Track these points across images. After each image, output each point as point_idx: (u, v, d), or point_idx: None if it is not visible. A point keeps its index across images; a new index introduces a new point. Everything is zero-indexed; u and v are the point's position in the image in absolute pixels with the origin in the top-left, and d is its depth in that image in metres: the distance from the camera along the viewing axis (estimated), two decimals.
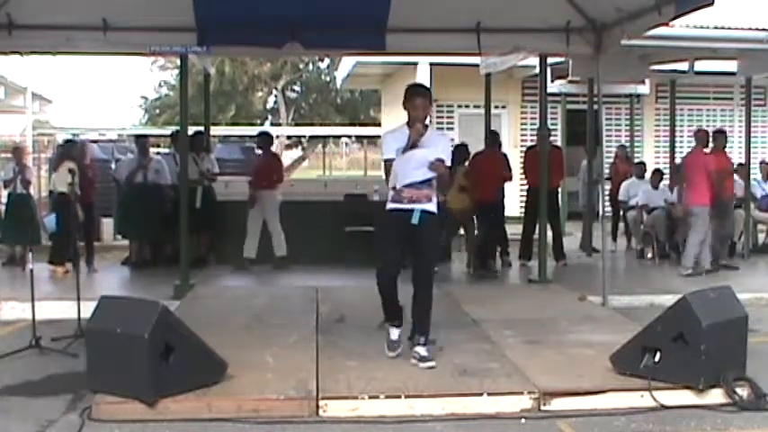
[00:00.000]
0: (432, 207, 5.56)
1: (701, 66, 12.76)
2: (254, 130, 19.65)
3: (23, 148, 12.32)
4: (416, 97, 5.57)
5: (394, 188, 5.52)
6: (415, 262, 5.60)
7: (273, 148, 11.40)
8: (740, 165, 11.63)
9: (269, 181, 10.19)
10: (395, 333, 5.66)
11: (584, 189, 12.58)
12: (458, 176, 9.35)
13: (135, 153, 10.89)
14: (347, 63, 17.70)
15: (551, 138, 11.74)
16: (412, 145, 5.46)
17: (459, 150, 9.41)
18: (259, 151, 11.12)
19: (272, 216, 10.10)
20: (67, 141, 10.87)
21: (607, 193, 12.58)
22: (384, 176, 5.71)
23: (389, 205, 5.61)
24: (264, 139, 10.68)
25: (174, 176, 10.14)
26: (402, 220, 5.51)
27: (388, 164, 5.57)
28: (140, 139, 11.06)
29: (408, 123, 5.56)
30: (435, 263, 5.90)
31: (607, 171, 12.63)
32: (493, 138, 10.62)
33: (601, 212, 9.17)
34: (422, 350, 5.47)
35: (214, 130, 15.81)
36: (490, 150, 10.38)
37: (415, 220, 5.48)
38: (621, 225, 12.37)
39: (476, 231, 10.16)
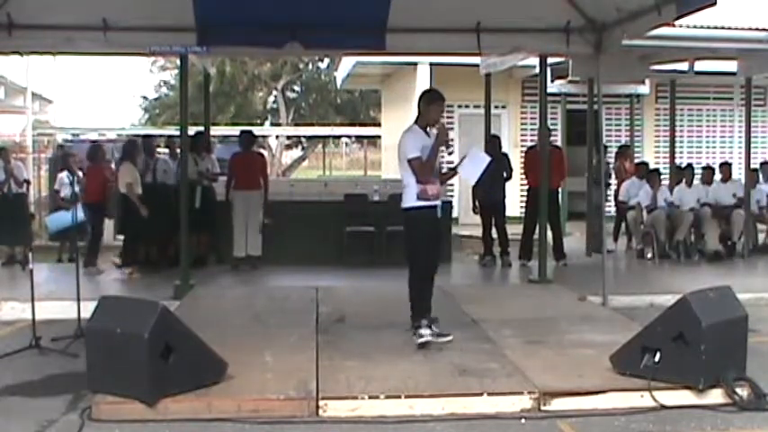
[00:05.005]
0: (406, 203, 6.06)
1: (700, 66, 12.72)
2: (253, 131, 19.59)
3: (9, 148, 12.27)
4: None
5: None
6: None
7: (258, 148, 11.32)
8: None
9: (253, 181, 10.17)
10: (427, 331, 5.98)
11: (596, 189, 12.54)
12: None
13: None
14: (347, 63, 17.69)
15: (552, 138, 11.71)
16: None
17: None
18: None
19: (253, 215, 10.12)
20: (66, 142, 10.87)
21: (612, 192, 12.61)
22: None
23: None
24: (247, 138, 10.56)
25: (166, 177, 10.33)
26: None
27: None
28: (146, 140, 11.08)
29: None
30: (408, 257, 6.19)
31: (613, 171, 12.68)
32: None
33: (603, 212, 9.15)
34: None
35: (214, 131, 15.79)
36: None
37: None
38: (623, 225, 12.34)
39: None
